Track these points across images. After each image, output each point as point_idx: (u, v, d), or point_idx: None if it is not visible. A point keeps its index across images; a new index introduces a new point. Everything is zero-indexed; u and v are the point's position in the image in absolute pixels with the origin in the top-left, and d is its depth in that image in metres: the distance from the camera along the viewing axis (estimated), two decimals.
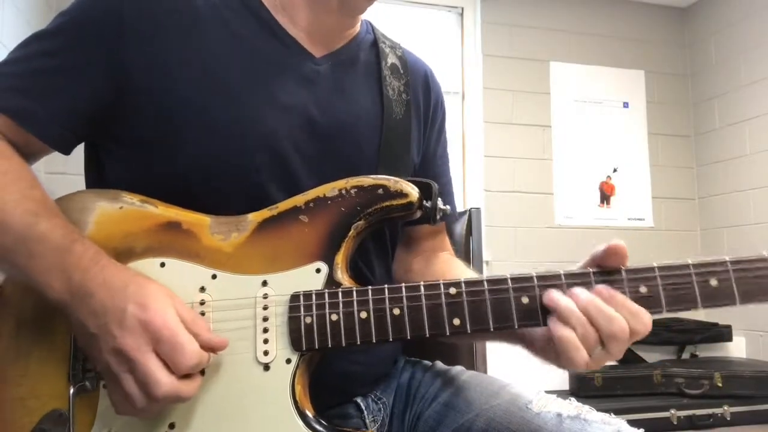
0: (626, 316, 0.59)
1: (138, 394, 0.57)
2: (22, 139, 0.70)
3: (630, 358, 2.90)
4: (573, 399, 0.76)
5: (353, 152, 0.79)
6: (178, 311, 0.60)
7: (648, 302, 0.61)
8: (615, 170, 3.26)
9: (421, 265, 0.91)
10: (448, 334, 0.63)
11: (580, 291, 0.61)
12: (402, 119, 0.85)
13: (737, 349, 3.05)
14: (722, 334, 3.00)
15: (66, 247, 0.61)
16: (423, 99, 0.91)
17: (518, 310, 0.62)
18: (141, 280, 0.61)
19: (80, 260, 0.61)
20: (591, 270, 0.63)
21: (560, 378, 2.68)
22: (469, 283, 0.64)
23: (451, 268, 0.89)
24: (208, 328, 0.63)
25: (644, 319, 0.60)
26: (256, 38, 0.77)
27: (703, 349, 3.06)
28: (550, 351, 0.63)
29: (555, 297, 0.61)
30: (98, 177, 0.79)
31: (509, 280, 0.63)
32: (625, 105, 3.33)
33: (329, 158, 0.77)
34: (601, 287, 0.61)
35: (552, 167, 3.18)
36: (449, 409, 0.78)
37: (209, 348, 0.61)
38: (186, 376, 0.59)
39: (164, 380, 0.57)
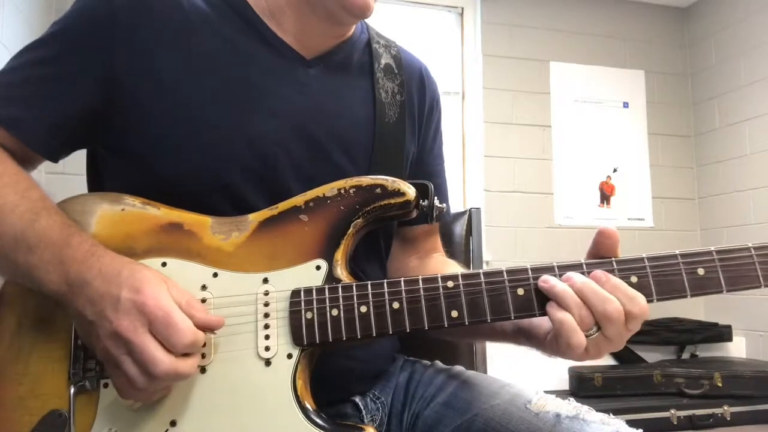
0: (622, 299, 0.61)
1: (138, 374, 0.58)
2: (15, 146, 0.71)
3: (630, 358, 2.91)
4: (572, 399, 0.76)
5: (344, 157, 0.79)
6: (172, 293, 0.61)
7: (638, 291, 0.63)
8: (615, 170, 3.26)
9: (416, 264, 0.92)
10: (446, 326, 0.64)
11: (574, 274, 0.63)
12: (395, 122, 0.85)
13: (737, 349, 3.05)
14: (722, 334, 3.00)
15: (63, 241, 0.62)
16: (417, 98, 0.91)
17: (514, 301, 0.64)
18: (134, 266, 0.62)
19: (77, 252, 0.62)
20: (583, 261, 0.65)
21: (560, 378, 2.68)
22: (466, 276, 0.65)
23: (446, 267, 0.90)
24: (204, 308, 0.63)
25: (640, 303, 0.61)
26: (246, 43, 0.77)
27: (703, 349, 3.06)
28: (552, 341, 0.65)
29: (551, 281, 0.63)
30: (97, 183, 0.80)
31: (505, 273, 0.65)
32: (625, 105, 3.33)
33: (320, 163, 0.77)
34: (599, 272, 0.63)
35: (552, 167, 3.18)
36: (448, 409, 0.78)
37: (206, 327, 0.61)
38: (184, 355, 0.60)
39: (161, 358, 0.57)
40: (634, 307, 0.61)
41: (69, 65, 0.71)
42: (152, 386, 0.59)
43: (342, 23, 0.81)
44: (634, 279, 0.63)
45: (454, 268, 0.90)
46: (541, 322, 0.68)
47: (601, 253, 0.65)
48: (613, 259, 0.64)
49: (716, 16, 3.31)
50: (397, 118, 0.85)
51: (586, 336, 0.61)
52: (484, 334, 0.83)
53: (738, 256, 0.63)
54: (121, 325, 0.58)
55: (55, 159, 0.75)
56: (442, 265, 0.91)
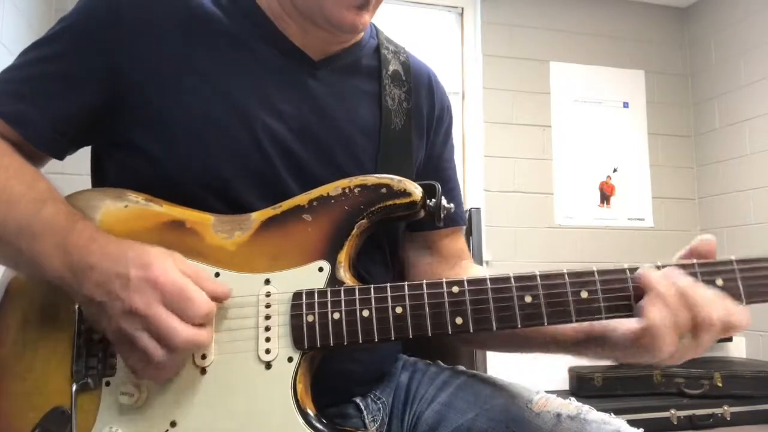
0: (721, 310, 0.58)
1: (157, 348, 0.58)
2: (21, 144, 0.71)
3: None
4: (573, 399, 0.76)
5: (349, 162, 0.79)
6: (179, 267, 0.61)
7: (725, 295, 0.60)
8: (615, 170, 3.26)
9: (446, 273, 0.89)
10: (450, 333, 0.63)
11: (679, 275, 0.59)
12: (401, 129, 0.84)
13: (737, 349, 3.05)
14: None
15: (67, 228, 0.63)
16: (426, 105, 0.90)
17: (521, 310, 0.62)
18: (139, 245, 0.62)
19: (79, 238, 0.62)
20: (595, 269, 0.62)
21: (560, 378, 2.68)
22: (472, 281, 0.63)
23: (472, 272, 0.88)
24: (211, 278, 0.64)
25: (745, 315, 0.58)
26: (253, 43, 0.77)
27: None
28: (633, 343, 0.61)
29: (652, 277, 0.59)
30: (101, 180, 0.80)
31: (512, 279, 0.63)
32: (625, 105, 3.33)
33: (324, 166, 0.77)
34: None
35: (552, 167, 3.18)
36: (449, 409, 0.78)
37: (215, 297, 0.62)
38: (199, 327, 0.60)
39: (181, 328, 0.58)
40: (743, 319, 0.58)
41: (73, 63, 0.72)
42: (171, 360, 0.59)
43: (340, 31, 0.81)
44: (719, 282, 0.60)
45: (481, 272, 0.87)
46: (616, 325, 0.63)
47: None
48: (626, 266, 0.61)
49: (716, 16, 3.31)
50: (403, 125, 0.85)
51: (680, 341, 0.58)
52: (531, 346, 0.77)
53: (761, 266, 0.60)
54: (135, 302, 0.58)
55: (60, 156, 0.75)
56: (469, 271, 0.88)
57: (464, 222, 0.95)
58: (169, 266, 0.60)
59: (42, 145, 0.72)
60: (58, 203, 0.65)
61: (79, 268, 0.61)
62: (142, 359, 0.59)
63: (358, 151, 0.80)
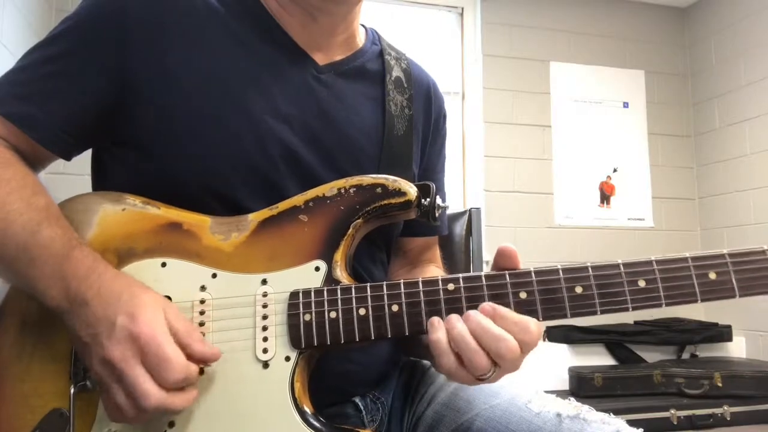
0: (512, 330, 0.60)
1: (127, 404, 0.57)
2: (27, 145, 0.71)
3: (630, 358, 2.91)
4: (572, 399, 0.76)
5: (351, 165, 0.79)
6: (170, 322, 0.60)
7: (647, 296, 0.61)
8: (615, 170, 3.26)
9: (405, 271, 0.92)
10: None
11: (473, 313, 0.61)
12: (403, 135, 0.85)
13: (737, 349, 3.05)
14: (722, 334, 3.00)
15: (65, 255, 0.62)
16: (424, 114, 0.91)
17: (517, 306, 0.62)
18: (135, 289, 0.61)
19: (78, 268, 0.61)
20: (589, 264, 0.63)
21: (560, 378, 2.68)
22: (467, 278, 0.64)
23: (430, 273, 0.89)
24: (201, 338, 0.62)
25: (530, 329, 0.60)
26: (259, 45, 0.77)
27: (703, 349, 3.06)
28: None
29: (438, 330, 0.61)
30: (101, 181, 0.80)
31: (507, 276, 0.63)
32: (625, 105, 3.33)
33: (327, 170, 0.77)
34: (485, 305, 0.61)
35: (552, 167, 3.18)
36: (448, 409, 0.78)
37: (201, 360, 0.61)
38: (179, 388, 0.59)
39: (152, 392, 0.56)
40: (526, 335, 0.60)
41: (78, 62, 0.71)
42: (141, 416, 0.58)
43: (331, 13, 0.80)
44: (642, 283, 0.61)
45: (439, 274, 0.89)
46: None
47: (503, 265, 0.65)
48: (620, 261, 0.63)
49: (716, 16, 3.31)
50: (405, 131, 0.85)
51: (483, 378, 0.61)
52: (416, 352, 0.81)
53: (753, 259, 0.60)
54: (113, 354, 0.57)
55: (68, 157, 0.75)
56: (428, 273, 0.90)
57: (441, 232, 0.95)
58: (156, 321, 0.58)
59: (49, 145, 0.71)
60: (53, 225, 0.64)
61: (76, 300, 0.60)
62: (115, 408, 0.58)
63: (361, 156, 0.80)
